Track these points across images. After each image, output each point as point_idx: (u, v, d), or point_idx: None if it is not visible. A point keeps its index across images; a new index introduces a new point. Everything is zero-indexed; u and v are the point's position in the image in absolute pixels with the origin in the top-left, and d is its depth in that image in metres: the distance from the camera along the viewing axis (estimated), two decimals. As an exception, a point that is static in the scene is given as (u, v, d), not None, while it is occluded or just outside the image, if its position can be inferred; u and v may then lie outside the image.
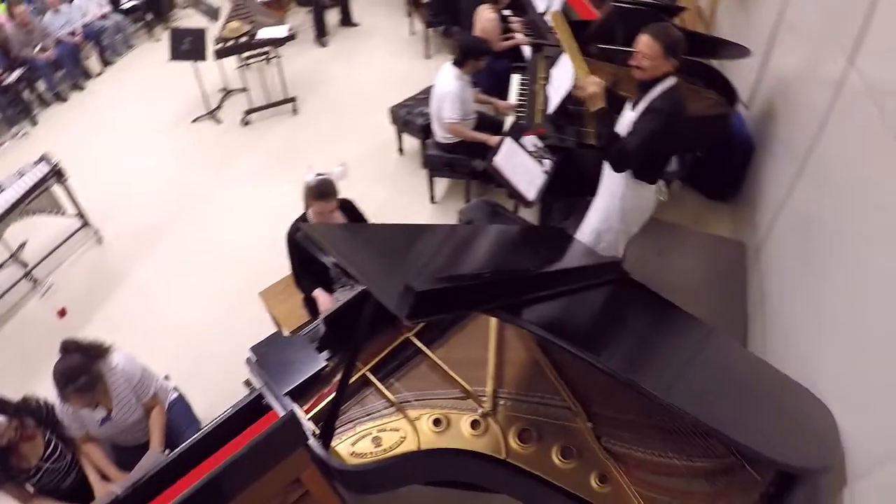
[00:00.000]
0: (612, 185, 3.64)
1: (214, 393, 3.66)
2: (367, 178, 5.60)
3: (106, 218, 5.89)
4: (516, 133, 3.86)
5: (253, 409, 2.62)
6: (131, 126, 7.27)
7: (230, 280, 5.09)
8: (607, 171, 3.60)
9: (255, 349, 2.87)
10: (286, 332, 3.88)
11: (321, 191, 3.31)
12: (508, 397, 2.67)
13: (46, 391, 3.09)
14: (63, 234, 5.67)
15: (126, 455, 3.24)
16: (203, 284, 5.14)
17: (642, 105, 3.30)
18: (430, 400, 2.68)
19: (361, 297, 2.91)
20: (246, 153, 6.55)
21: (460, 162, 4.94)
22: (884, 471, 2.14)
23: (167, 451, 2.97)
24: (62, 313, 5.12)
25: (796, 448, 2.25)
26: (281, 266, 4.04)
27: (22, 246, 5.67)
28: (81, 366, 2.95)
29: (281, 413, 2.49)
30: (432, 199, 5.50)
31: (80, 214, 5.68)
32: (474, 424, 2.57)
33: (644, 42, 3.22)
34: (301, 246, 3.45)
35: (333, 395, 2.66)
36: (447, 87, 4.59)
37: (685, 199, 5.13)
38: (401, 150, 6.09)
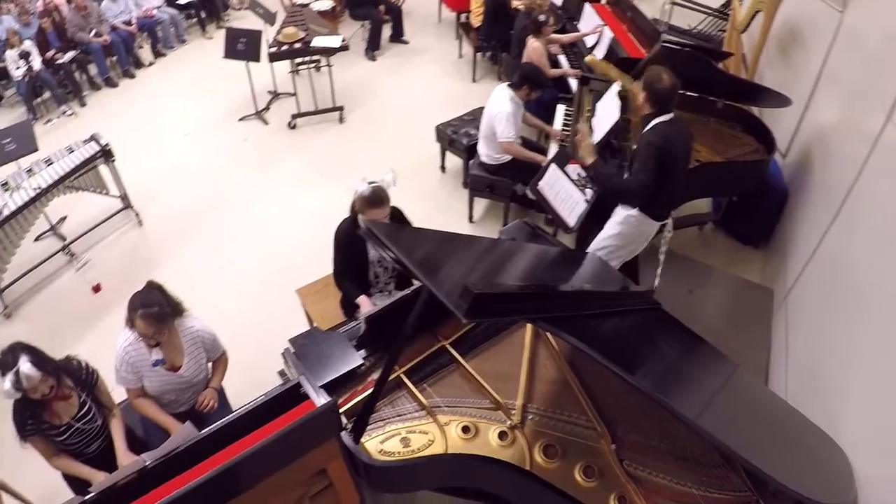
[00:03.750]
0: (621, 207, 3.87)
1: (244, 382, 3.71)
2: (408, 192, 5.64)
3: (147, 203, 6.01)
4: (561, 160, 3.93)
5: (289, 396, 2.65)
6: (178, 118, 7.42)
7: (266, 275, 5.17)
8: None
9: (293, 341, 2.92)
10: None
11: (376, 198, 3.32)
12: (537, 412, 2.71)
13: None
14: (104, 213, 5.80)
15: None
16: (238, 277, 5.22)
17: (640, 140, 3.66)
18: (460, 407, 2.73)
19: (403, 302, 2.98)
20: (290, 156, 6.65)
21: (502, 184, 4.99)
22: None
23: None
24: (97, 289, 5.22)
25: (814, 483, 2.28)
26: (317, 268, 4.15)
27: (62, 220, 5.86)
28: (159, 300, 3.06)
29: (318, 402, 2.53)
30: (471, 218, 5.54)
31: (123, 196, 5.81)
32: (502, 435, 2.62)
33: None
34: (348, 248, 3.50)
35: (368, 392, 2.73)
36: (501, 107, 4.63)
37: (718, 242, 5.17)
38: (443, 167, 6.16)
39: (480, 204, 5.65)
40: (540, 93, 4.74)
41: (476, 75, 7.62)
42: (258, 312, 4.78)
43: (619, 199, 3.75)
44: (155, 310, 2.99)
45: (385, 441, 2.61)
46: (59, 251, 5.54)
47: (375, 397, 2.53)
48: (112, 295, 5.15)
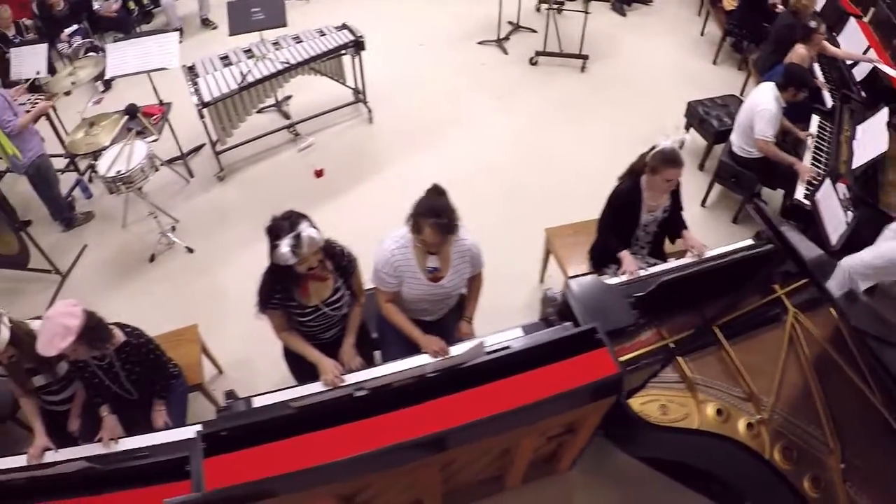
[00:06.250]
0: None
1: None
2: (642, 158, 5.50)
3: (377, 103, 6.09)
4: (834, 177, 3.93)
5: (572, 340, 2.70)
6: (414, 27, 7.39)
7: (499, 203, 5.16)
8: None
9: (575, 281, 3.03)
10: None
11: (675, 158, 3.34)
12: (781, 414, 2.83)
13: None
14: (332, 102, 5.97)
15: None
16: (467, 197, 4.70)
17: None
18: (713, 389, 2.87)
19: (714, 272, 3.09)
20: (527, 91, 6.55)
21: (747, 178, 4.90)
22: None
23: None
24: (319, 173, 5.42)
25: None
26: (558, 209, 4.29)
27: (288, 98, 6.09)
28: (449, 209, 2.90)
29: (614, 360, 2.58)
30: (703, 202, 5.40)
31: (359, 90, 5.96)
32: (749, 426, 2.76)
33: None
34: (623, 209, 3.59)
35: (636, 352, 2.92)
36: (765, 104, 4.56)
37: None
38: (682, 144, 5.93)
39: (715, 191, 5.40)
40: (805, 95, 4.65)
41: (717, 58, 7.16)
42: (489, 238, 4.43)
43: None
44: (445, 221, 2.84)
45: (645, 404, 2.77)
46: (284, 128, 5.75)
47: (666, 363, 2.69)
48: (332, 183, 5.32)
